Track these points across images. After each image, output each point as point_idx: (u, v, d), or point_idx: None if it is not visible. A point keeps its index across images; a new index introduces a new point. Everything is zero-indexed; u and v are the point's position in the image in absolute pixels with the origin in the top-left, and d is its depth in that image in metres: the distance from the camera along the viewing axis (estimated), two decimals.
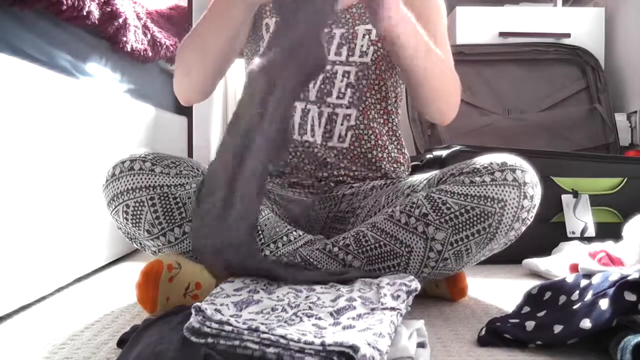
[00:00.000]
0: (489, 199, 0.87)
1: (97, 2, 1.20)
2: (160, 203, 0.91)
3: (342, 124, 1.10)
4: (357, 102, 1.10)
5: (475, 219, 0.87)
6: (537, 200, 0.91)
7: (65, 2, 1.07)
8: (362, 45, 1.10)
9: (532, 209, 0.91)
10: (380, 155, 1.13)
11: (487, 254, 0.94)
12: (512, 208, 0.88)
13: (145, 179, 0.91)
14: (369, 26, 1.10)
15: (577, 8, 2.22)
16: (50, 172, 1.05)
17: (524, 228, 0.92)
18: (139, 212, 0.91)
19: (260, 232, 0.94)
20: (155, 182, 0.91)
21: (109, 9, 1.27)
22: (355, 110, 1.10)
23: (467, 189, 0.88)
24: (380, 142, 1.13)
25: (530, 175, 0.90)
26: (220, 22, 1.00)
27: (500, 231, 0.88)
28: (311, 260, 0.93)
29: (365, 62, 1.10)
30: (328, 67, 1.10)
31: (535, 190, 0.90)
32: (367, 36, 1.11)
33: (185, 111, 2.12)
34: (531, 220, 0.92)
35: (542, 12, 2.12)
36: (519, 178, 0.89)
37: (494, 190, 0.88)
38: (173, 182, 0.92)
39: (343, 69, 1.10)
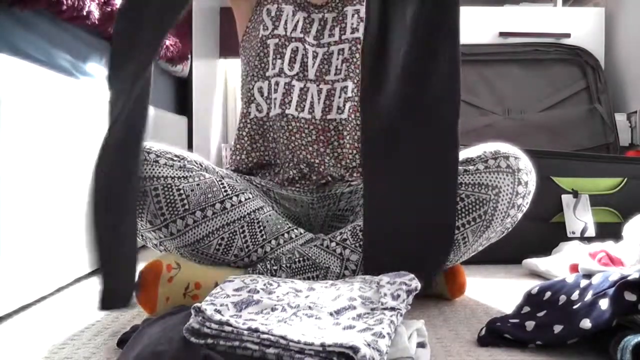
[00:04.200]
0: (483, 186, 0.87)
1: (97, 2, 1.20)
2: (164, 194, 0.91)
3: (339, 97, 1.11)
4: (352, 74, 1.11)
5: (470, 206, 0.87)
6: (532, 187, 0.92)
7: (65, 2, 1.07)
8: (352, 23, 1.14)
9: (527, 195, 0.91)
10: None
11: (484, 244, 0.94)
12: (507, 194, 0.88)
13: (149, 169, 0.91)
14: (357, 6, 1.15)
15: (577, 8, 2.22)
16: (50, 172, 1.05)
17: (520, 215, 0.92)
18: (142, 203, 0.91)
19: (262, 228, 0.95)
20: (159, 173, 0.92)
21: (109, 9, 1.27)
22: (351, 82, 1.11)
23: (461, 177, 0.88)
24: None
25: (524, 162, 0.91)
26: None
27: (496, 218, 0.89)
28: (310, 256, 0.93)
29: (358, 37, 1.13)
30: (324, 49, 1.14)
31: (529, 176, 0.91)
32: (355, 15, 1.14)
33: (185, 111, 2.12)
34: (527, 206, 0.92)
35: (542, 12, 2.12)
36: (513, 165, 0.89)
37: (487, 177, 0.88)
38: (177, 174, 0.92)
39: (337, 47, 1.14)
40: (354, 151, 1.11)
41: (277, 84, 1.11)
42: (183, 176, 0.93)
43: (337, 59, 1.13)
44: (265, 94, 1.13)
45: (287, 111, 1.10)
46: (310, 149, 1.10)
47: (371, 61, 0.90)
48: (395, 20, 0.89)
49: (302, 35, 1.14)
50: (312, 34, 1.15)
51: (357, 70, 1.12)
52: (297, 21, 1.15)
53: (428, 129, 0.87)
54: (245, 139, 1.14)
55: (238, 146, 1.15)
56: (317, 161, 1.09)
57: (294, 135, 1.10)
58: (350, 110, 1.11)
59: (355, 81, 1.12)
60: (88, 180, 1.19)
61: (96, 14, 1.20)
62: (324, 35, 1.15)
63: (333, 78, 1.13)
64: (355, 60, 1.12)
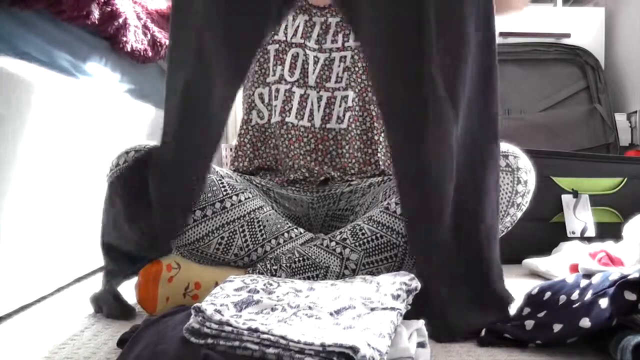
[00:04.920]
0: None
1: (97, 2, 1.20)
2: None
3: (340, 106, 1.11)
4: (354, 84, 1.11)
5: None
6: (531, 186, 0.91)
7: (65, 2, 1.07)
8: None
9: (526, 194, 0.91)
10: (375, 138, 1.13)
11: None
12: (507, 193, 0.88)
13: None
14: None
15: (577, 8, 2.22)
16: (50, 172, 1.05)
17: (519, 214, 0.92)
18: None
19: (261, 228, 0.95)
20: None
21: (109, 9, 1.27)
22: (352, 92, 1.11)
23: None
24: (376, 124, 1.13)
25: (523, 161, 0.91)
26: None
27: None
28: (309, 255, 0.93)
29: None
30: (326, 55, 1.13)
31: (529, 175, 0.91)
32: None
33: None
34: (526, 205, 0.92)
35: (542, 12, 2.12)
36: (512, 164, 0.89)
37: None
38: None
39: (339, 54, 1.13)
40: (353, 160, 1.11)
41: (277, 90, 1.11)
42: None
43: (339, 67, 1.12)
44: (266, 101, 1.13)
45: (287, 119, 1.10)
46: (309, 158, 1.10)
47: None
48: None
49: (302, 41, 1.14)
50: (314, 38, 1.14)
51: (359, 80, 1.12)
52: (298, 25, 1.15)
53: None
54: (248, 145, 1.15)
55: (240, 153, 1.15)
56: (316, 169, 1.09)
57: (293, 144, 1.10)
58: (350, 120, 1.11)
59: (357, 90, 1.11)
60: (88, 180, 1.19)
61: (96, 14, 1.20)
62: (326, 40, 1.14)
63: (334, 86, 1.12)
64: (357, 69, 1.12)
